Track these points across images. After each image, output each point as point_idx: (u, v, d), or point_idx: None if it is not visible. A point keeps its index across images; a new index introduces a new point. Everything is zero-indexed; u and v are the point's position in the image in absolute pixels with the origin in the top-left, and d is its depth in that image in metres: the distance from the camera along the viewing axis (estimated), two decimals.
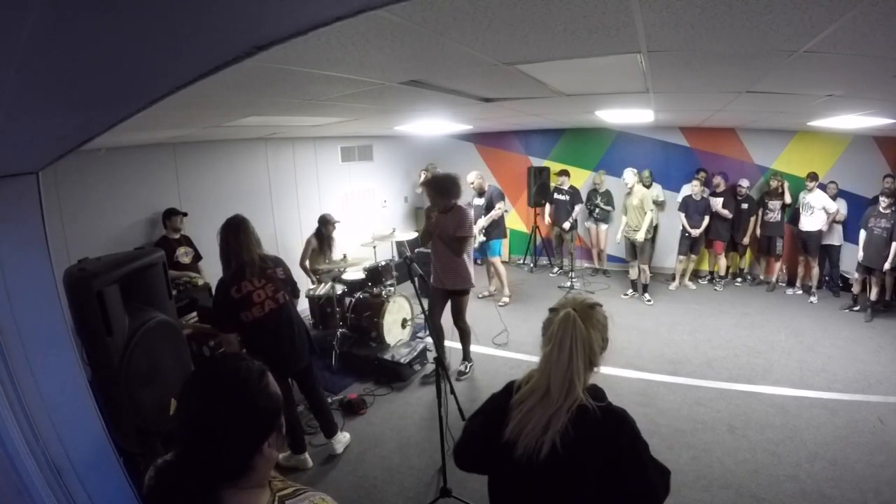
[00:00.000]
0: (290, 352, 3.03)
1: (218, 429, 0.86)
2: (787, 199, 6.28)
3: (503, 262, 6.61)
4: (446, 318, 4.26)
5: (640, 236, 6.15)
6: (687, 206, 6.54)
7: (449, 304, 4.21)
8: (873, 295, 5.54)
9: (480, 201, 6.34)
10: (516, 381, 1.37)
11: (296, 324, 3.09)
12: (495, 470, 1.37)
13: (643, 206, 6.14)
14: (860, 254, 5.61)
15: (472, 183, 6.35)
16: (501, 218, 6.41)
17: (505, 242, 6.72)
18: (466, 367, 4.50)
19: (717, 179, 6.61)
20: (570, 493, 1.25)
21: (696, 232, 6.50)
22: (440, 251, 4.06)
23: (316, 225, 5.33)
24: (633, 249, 6.40)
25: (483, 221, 6.21)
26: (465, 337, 4.38)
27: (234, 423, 0.87)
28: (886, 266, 5.23)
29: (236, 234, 2.86)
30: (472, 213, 4.10)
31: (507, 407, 1.32)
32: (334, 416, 3.46)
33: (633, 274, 6.54)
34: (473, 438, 1.43)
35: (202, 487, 0.85)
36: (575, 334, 1.24)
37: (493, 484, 1.39)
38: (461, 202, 4.07)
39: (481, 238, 6.27)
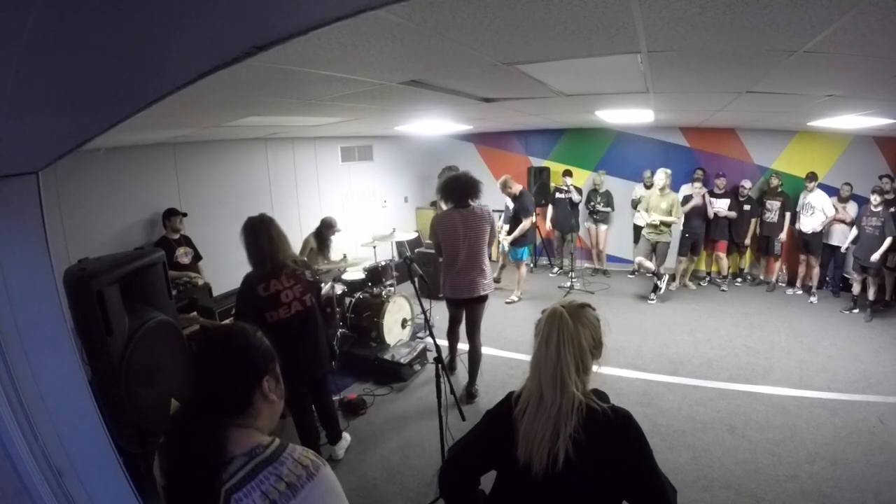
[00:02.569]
0: (312, 357, 2.97)
1: (221, 369, 1.07)
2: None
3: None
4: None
5: (666, 238, 6.15)
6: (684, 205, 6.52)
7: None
8: (871, 294, 5.56)
9: (512, 205, 6.32)
10: (514, 393, 1.33)
11: (320, 330, 3.03)
12: (512, 494, 1.32)
13: (671, 212, 6.09)
14: (853, 254, 5.69)
15: (509, 188, 6.18)
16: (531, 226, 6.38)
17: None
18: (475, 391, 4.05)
19: (722, 181, 6.56)
20: (588, 499, 1.23)
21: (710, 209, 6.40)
22: None
23: (316, 225, 5.30)
24: (651, 249, 6.34)
25: (516, 232, 6.23)
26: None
27: (232, 362, 1.07)
28: (874, 258, 5.27)
29: (268, 233, 2.78)
30: (435, 219, 3.86)
31: (508, 419, 1.28)
32: (339, 422, 3.41)
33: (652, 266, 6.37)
34: (465, 454, 1.38)
35: (212, 422, 1.02)
36: (562, 328, 1.21)
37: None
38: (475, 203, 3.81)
39: (505, 243, 6.36)
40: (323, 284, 4.94)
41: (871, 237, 5.39)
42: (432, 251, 6.51)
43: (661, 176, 6.18)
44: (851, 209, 6.09)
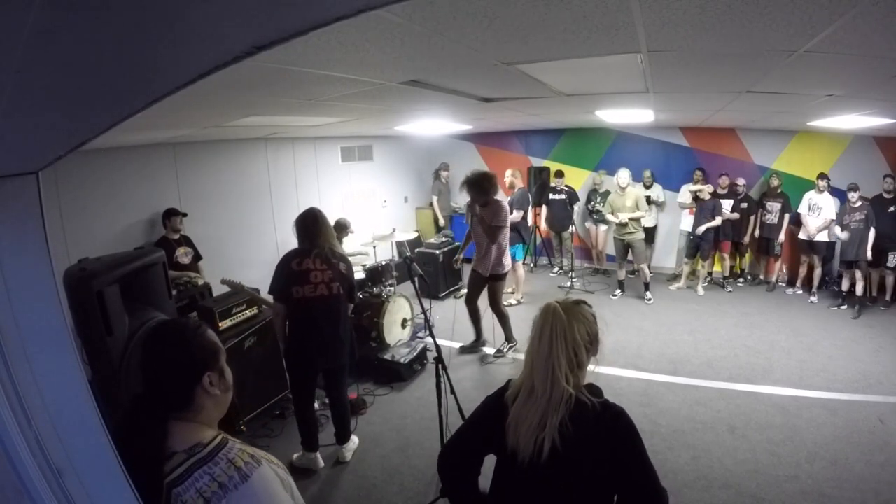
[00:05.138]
0: (328, 345, 3.04)
1: (160, 367, 1.11)
2: None
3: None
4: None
5: (638, 236, 6.18)
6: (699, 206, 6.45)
7: (486, 291, 4.70)
8: (859, 290, 5.61)
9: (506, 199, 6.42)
10: (512, 380, 1.36)
11: (342, 321, 3.12)
12: (499, 480, 1.35)
13: (637, 207, 6.15)
14: (837, 249, 5.82)
15: (508, 179, 6.44)
16: (523, 222, 6.46)
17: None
18: (505, 348, 4.85)
19: (725, 180, 6.49)
20: (574, 492, 1.23)
21: (700, 229, 6.31)
22: (479, 240, 4.58)
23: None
24: (625, 250, 6.40)
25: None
26: (502, 320, 4.80)
27: (171, 360, 1.11)
28: (868, 254, 5.36)
29: (315, 220, 3.05)
30: (506, 205, 4.60)
31: (503, 404, 1.32)
32: (350, 424, 3.40)
33: (622, 275, 6.54)
34: (464, 438, 1.41)
35: (154, 417, 1.06)
36: (555, 324, 1.23)
37: (499, 495, 1.37)
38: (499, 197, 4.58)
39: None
40: None
41: (857, 231, 5.48)
42: (432, 251, 6.56)
43: (625, 175, 6.26)
44: (834, 205, 6.14)
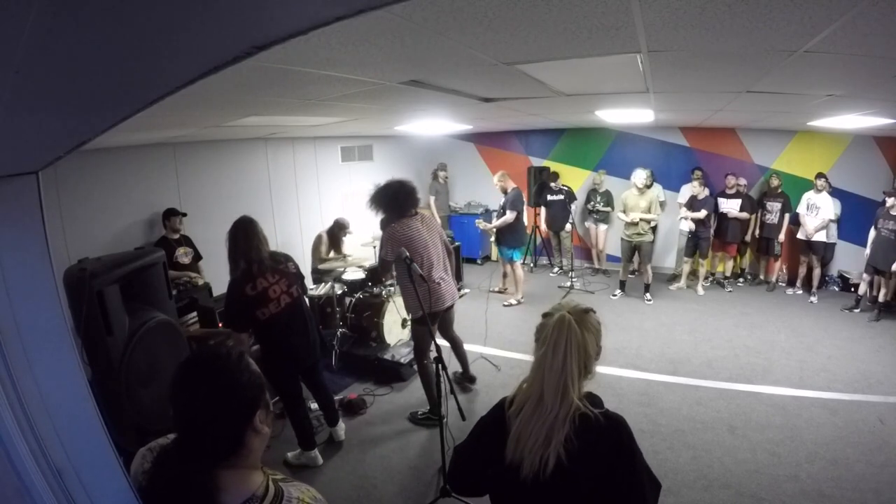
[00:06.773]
0: (305, 344, 3.09)
1: (208, 411, 0.95)
2: None
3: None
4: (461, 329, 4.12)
5: (647, 238, 6.16)
6: (692, 207, 6.47)
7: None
8: (881, 296, 5.51)
9: (502, 201, 6.28)
10: (507, 397, 1.34)
11: (308, 318, 3.16)
12: (499, 493, 1.33)
13: (650, 209, 6.11)
14: (867, 252, 5.59)
15: (503, 182, 6.17)
16: (520, 225, 6.20)
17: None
18: (419, 413, 3.75)
19: (731, 179, 6.45)
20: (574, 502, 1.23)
21: (693, 224, 6.30)
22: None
23: (319, 224, 5.41)
24: (631, 252, 6.39)
25: (493, 224, 6.30)
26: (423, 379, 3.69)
27: (220, 403, 0.95)
28: (895, 268, 5.21)
29: (245, 233, 2.87)
30: (396, 230, 3.39)
31: (502, 422, 1.29)
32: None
33: (625, 275, 6.54)
34: (465, 459, 1.40)
35: (200, 470, 0.92)
36: (570, 337, 1.22)
37: None
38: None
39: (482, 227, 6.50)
40: (323, 284, 4.98)
41: (888, 240, 5.27)
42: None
43: (642, 175, 6.22)
44: (835, 206, 6.09)
